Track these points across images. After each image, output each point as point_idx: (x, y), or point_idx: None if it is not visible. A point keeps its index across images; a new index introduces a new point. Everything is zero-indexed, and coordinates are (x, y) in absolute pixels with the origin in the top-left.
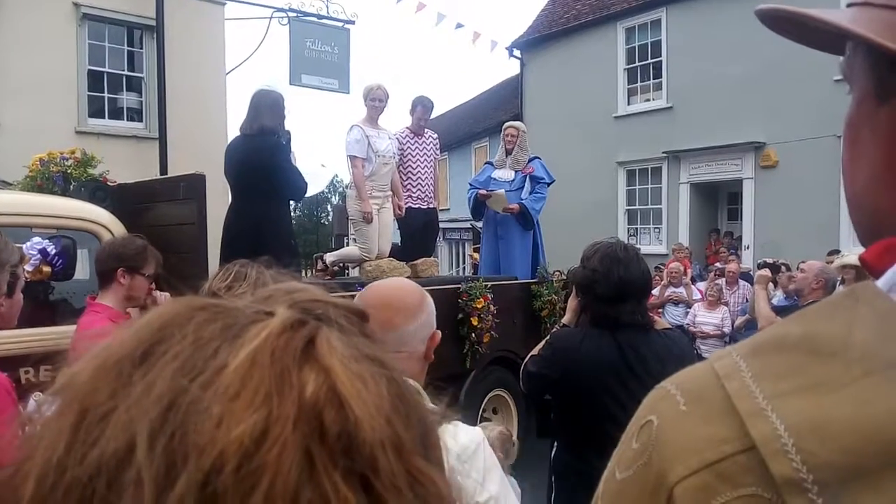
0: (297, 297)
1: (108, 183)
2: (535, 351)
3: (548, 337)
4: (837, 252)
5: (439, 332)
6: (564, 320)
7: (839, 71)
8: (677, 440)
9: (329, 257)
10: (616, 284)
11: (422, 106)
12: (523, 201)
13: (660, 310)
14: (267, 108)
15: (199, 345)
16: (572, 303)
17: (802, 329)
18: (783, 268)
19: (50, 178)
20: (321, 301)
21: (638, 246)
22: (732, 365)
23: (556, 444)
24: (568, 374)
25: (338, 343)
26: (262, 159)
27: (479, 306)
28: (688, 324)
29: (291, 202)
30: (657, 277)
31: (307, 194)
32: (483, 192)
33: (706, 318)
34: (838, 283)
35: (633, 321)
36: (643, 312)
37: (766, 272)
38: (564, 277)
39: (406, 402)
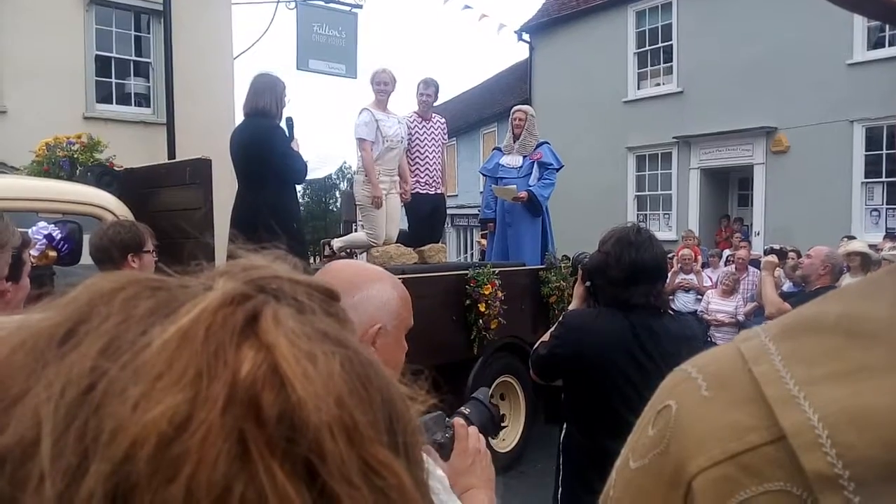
0: (253, 273)
1: (115, 167)
2: (544, 338)
3: (560, 318)
4: (853, 238)
5: (382, 328)
6: (571, 307)
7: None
8: (698, 428)
9: (336, 243)
10: (628, 267)
11: (423, 83)
12: (531, 188)
13: (671, 296)
14: (261, 90)
15: (128, 322)
16: (578, 289)
17: (841, 309)
18: (791, 254)
19: (56, 163)
20: (280, 277)
21: None
22: (760, 347)
23: (565, 425)
24: (580, 351)
25: (287, 319)
26: (257, 144)
27: (487, 292)
28: (701, 311)
29: (298, 187)
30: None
31: (311, 177)
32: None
33: (720, 306)
34: (844, 269)
35: (646, 303)
36: (657, 295)
37: (773, 258)
38: (569, 264)
39: (368, 384)
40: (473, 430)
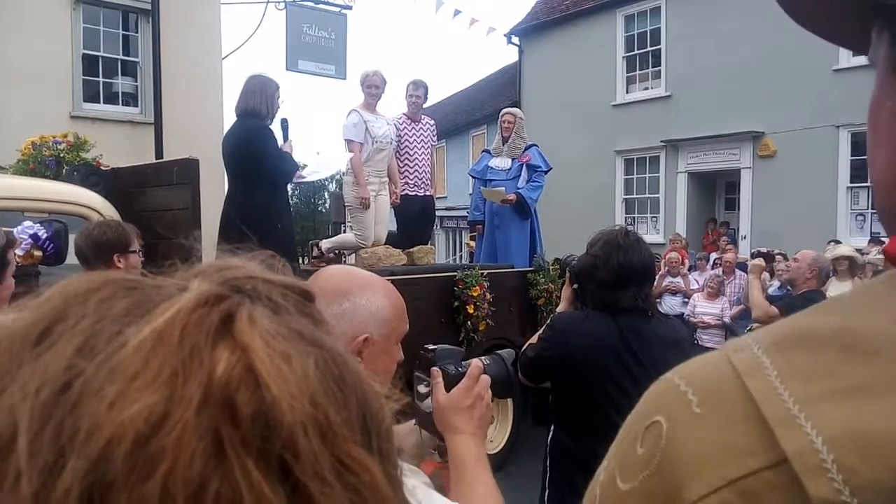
0: (228, 274)
1: (101, 167)
2: (532, 340)
3: (548, 321)
4: (839, 242)
5: (369, 338)
6: (559, 309)
7: (867, 59)
8: (692, 450)
9: (325, 244)
10: (615, 270)
11: (412, 84)
12: (520, 190)
13: (658, 299)
14: (252, 91)
15: (103, 322)
16: (566, 292)
17: (837, 321)
18: (778, 257)
19: (42, 162)
20: (255, 277)
21: None
22: (753, 359)
23: (552, 427)
24: (568, 354)
25: (262, 319)
26: (243, 144)
27: (476, 294)
28: (688, 314)
29: (289, 187)
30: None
31: (309, 179)
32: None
33: (706, 309)
34: (831, 273)
35: (633, 306)
36: (644, 298)
37: (760, 261)
38: (557, 266)
39: (342, 384)
40: (486, 378)
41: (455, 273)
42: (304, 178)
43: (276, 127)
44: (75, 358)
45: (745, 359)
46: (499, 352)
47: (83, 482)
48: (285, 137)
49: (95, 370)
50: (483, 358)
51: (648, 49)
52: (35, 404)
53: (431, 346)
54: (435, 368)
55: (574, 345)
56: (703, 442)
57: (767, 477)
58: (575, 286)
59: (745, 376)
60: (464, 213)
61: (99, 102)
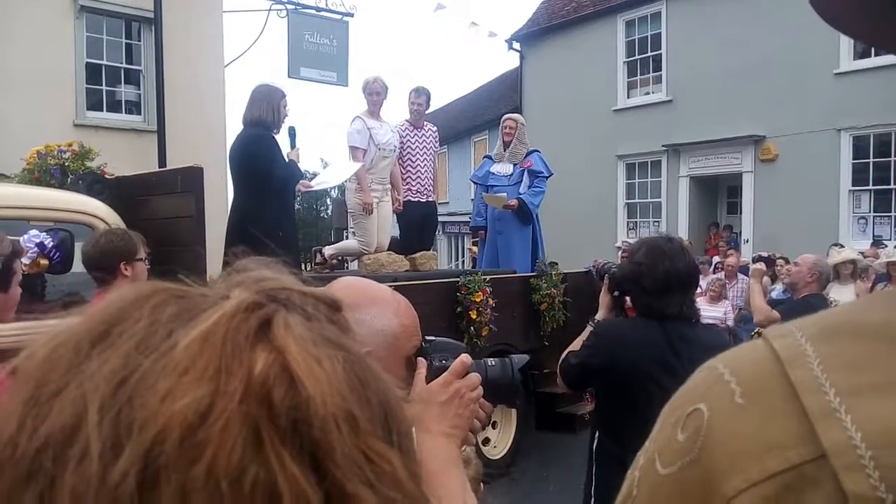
0: (265, 285)
1: (106, 176)
2: (573, 346)
3: (591, 327)
4: (841, 246)
5: (372, 353)
6: (597, 317)
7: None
8: (733, 441)
9: (328, 251)
10: (662, 277)
11: (414, 91)
12: (522, 196)
13: None
14: (258, 100)
15: (156, 325)
16: (605, 298)
17: (882, 315)
18: (780, 261)
19: (47, 171)
20: (289, 288)
21: None
22: (796, 347)
23: (597, 434)
24: (615, 361)
25: (296, 325)
26: (245, 152)
27: (478, 300)
28: None
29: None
30: None
31: (325, 187)
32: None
33: (708, 312)
34: (832, 276)
35: (679, 313)
36: (689, 305)
37: (761, 266)
38: (563, 272)
39: (366, 384)
40: (474, 376)
41: (458, 279)
42: (311, 187)
43: (283, 135)
44: (132, 355)
45: (789, 346)
46: (511, 355)
47: (139, 465)
48: (292, 145)
49: (150, 366)
50: (489, 360)
51: (649, 54)
52: (102, 394)
53: (430, 337)
54: (421, 359)
55: (621, 351)
56: (745, 435)
57: (807, 471)
58: (616, 293)
59: (788, 364)
60: (466, 218)
61: (102, 111)
